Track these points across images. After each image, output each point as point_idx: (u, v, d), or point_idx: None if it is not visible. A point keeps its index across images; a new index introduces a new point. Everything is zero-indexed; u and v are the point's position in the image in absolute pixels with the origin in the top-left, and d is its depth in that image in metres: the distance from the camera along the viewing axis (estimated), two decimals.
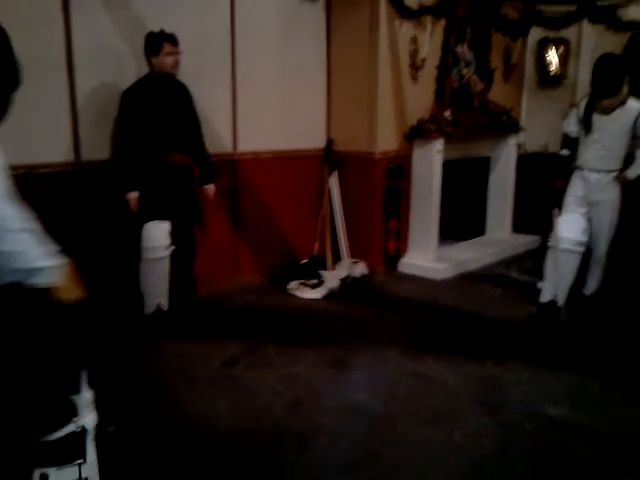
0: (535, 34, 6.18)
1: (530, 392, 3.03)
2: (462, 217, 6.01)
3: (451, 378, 3.18)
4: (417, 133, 5.09)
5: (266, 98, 4.66)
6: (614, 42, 5.76)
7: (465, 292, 4.68)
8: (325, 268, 4.88)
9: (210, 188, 4.05)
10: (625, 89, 3.87)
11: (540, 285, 4.25)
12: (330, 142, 5.13)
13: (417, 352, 3.50)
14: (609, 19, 5.82)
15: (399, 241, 5.17)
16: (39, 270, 1.48)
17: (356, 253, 5.02)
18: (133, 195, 3.65)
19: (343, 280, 4.74)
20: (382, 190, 5.02)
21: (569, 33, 6.07)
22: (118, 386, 2.94)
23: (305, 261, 4.99)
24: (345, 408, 2.88)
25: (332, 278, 4.72)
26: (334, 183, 5.07)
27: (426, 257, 5.17)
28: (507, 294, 4.61)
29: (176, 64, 3.72)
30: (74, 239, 3.19)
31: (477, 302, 4.41)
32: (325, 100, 5.14)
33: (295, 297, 4.57)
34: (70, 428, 1.69)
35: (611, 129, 3.92)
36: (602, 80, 3.80)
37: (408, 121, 5.08)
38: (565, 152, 4.18)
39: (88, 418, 1.74)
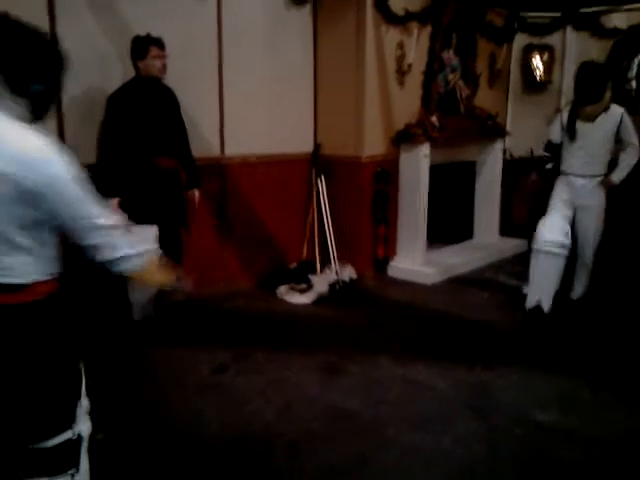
0: (520, 40, 6.24)
1: (519, 397, 3.04)
2: (450, 221, 6.03)
3: (441, 383, 3.18)
4: (404, 137, 5.11)
5: (253, 102, 4.65)
6: (598, 49, 5.84)
7: (454, 296, 4.69)
8: (314, 272, 4.88)
9: (195, 192, 4.03)
10: (608, 95, 3.91)
11: (525, 290, 4.23)
12: (318, 146, 5.13)
13: (407, 357, 3.51)
14: (592, 26, 5.91)
15: (387, 245, 5.18)
16: (123, 259, 1.63)
17: (345, 257, 5.01)
18: (113, 202, 3.62)
19: (332, 285, 4.74)
20: (370, 194, 5.02)
21: (553, 39, 6.14)
22: (106, 393, 2.90)
23: (294, 265, 4.97)
24: (335, 413, 2.87)
25: (321, 283, 4.71)
26: (322, 187, 5.06)
27: (414, 261, 5.18)
28: (495, 298, 4.62)
29: (163, 68, 3.70)
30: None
31: (466, 306, 4.42)
32: (312, 104, 5.14)
33: (284, 302, 4.55)
34: (67, 435, 1.66)
35: (595, 136, 3.95)
36: (585, 87, 3.84)
37: (395, 125, 5.10)
38: (546, 154, 4.23)
39: (85, 425, 1.72)
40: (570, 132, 4.00)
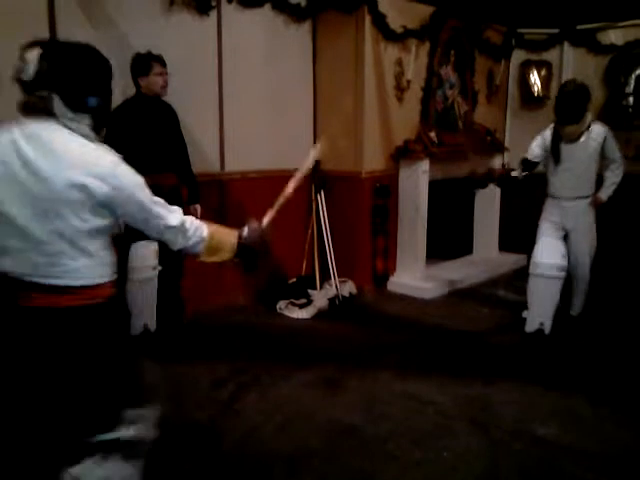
0: (518, 56, 6.31)
1: (519, 411, 3.03)
2: (449, 236, 6.04)
3: (441, 398, 3.17)
4: (403, 153, 5.14)
5: (253, 118, 4.68)
6: (595, 64, 5.91)
7: (453, 311, 4.68)
8: (313, 287, 4.87)
9: (196, 208, 4.04)
10: (589, 116, 3.92)
11: (525, 314, 4.15)
12: (317, 162, 5.15)
13: (407, 372, 3.49)
14: (589, 42, 5.97)
15: (387, 260, 5.19)
16: (194, 245, 1.91)
17: (344, 272, 5.01)
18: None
19: (332, 299, 4.74)
20: (369, 209, 5.04)
21: (551, 55, 6.21)
22: None
23: (293, 280, 4.97)
24: (335, 429, 2.85)
25: (321, 297, 4.71)
26: (321, 203, 5.08)
27: (414, 276, 5.19)
28: (495, 313, 4.61)
29: (165, 85, 3.74)
30: None
31: (465, 321, 4.42)
32: (312, 120, 5.18)
33: (284, 317, 4.55)
34: (112, 435, 1.75)
35: (580, 156, 3.95)
36: (565, 108, 3.85)
37: (394, 141, 5.14)
38: (515, 174, 4.21)
39: (134, 430, 1.81)
40: (555, 154, 3.99)
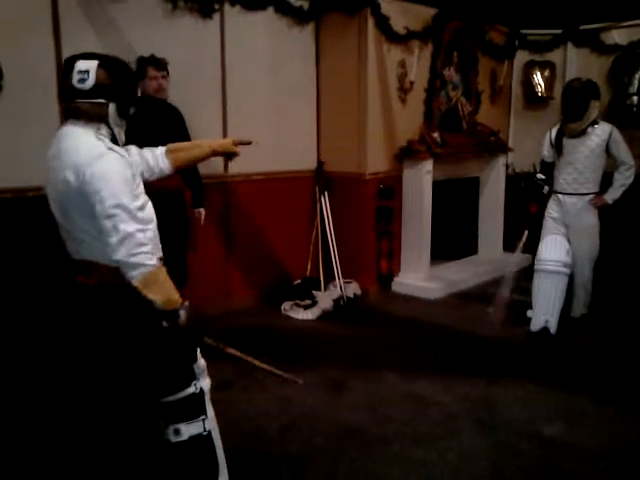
0: (521, 57, 6.30)
1: (524, 411, 3.03)
2: (454, 237, 6.04)
3: (445, 398, 3.17)
4: (407, 154, 5.15)
5: (257, 120, 4.68)
6: (599, 65, 5.89)
7: (458, 311, 4.69)
8: (318, 289, 4.88)
9: (200, 212, 4.05)
10: (593, 112, 3.91)
11: (530, 314, 4.14)
12: (321, 163, 5.17)
13: (411, 372, 3.50)
14: (593, 42, 5.96)
15: (391, 261, 5.19)
16: (131, 265, 1.82)
17: (349, 273, 5.02)
18: None
19: (336, 301, 4.74)
20: (373, 210, 5.05)
21: (554, 56, 6.19)
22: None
23: (298, 282, 4.98)
24: (340, 429, 2.86)
25: (325, 299, 4.72)
26: (325, 204, 5.09)
27: (419, 276, 5.19)
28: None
29: (160, 88, 3.72)
30: (63, 262, 3.17)
31: (470, 322, 4.41)
32: (315, 122, 5.19)
33: (288, 318, 4.56)
34: (191, 390, 2.06)
35: (583, 152, 3.95)
36: (568, 105, 3.89)
37: (398, 142, 5.14)
38: (540, 176, 4.22)
39: (204, 382, 2.13)
40: (557, 147, 4.03)
